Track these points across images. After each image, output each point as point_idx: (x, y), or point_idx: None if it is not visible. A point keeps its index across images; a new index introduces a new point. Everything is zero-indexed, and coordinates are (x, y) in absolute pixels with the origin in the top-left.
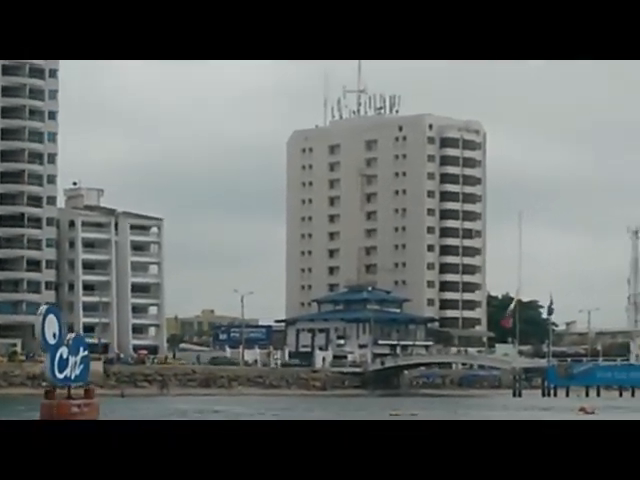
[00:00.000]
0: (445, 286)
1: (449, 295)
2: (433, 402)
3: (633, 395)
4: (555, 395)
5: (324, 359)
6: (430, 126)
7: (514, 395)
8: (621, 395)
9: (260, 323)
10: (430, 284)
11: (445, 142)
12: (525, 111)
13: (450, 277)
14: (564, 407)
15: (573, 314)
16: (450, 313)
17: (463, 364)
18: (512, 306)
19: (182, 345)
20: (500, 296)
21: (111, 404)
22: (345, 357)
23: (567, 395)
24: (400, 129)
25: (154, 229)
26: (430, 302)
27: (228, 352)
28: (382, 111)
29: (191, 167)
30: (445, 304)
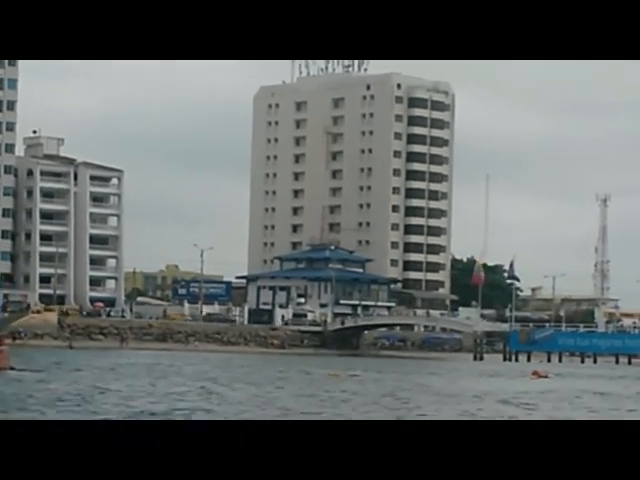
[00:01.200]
0: (409, 247)
1: (413, 257)
2: (391, 363)
3: (595, 362)
4: (517, 360)
5: (283, 317)
6: (398, 85)
7: (475, 359)
8: (583, 362)
9: (224, 279)
10: (394, 245)
11: (413, 102)
12: (494, 76)
13: (415, 238)
14: (519, 371)
15: (540, 279)
16: (414, 275)
17: (425, 326)
18: (480, 264)
19: (140, 299)
20: (465, 259)
21: (58, 354)
22: (305, 316)
23: (529, 360)
24: (368, 88)
25: (114, 180)
26: (394, 263)
27: (186, 307)
28: (350, 69)
29: (156, 121)
30: (409, 265)
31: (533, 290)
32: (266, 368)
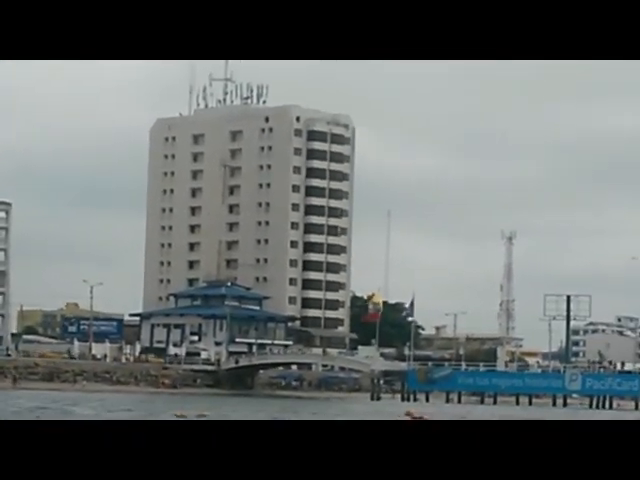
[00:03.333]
0: (308, 284)
1: (312, 294)
2: (279, 404)
3: (495, 402)
4: (415, 400)
5: (176, 355)
6: (297, 118)
7: (372, 399)
8: (483, 402)
9: (124, 317)
10: (292, 282)
11: (312, 135)
12: (397, 111)
13: (313, 275)
14: (391, 412)
15: (444, 318)
16: (312, 312)
17: (324, 365)
18: (378, 301)
19: (29, 337)
20: (365, 297)
21: None
22: (198, 354)
23: (427, 400)
24: (266, 120)
25: (1, 214)
26: (292, 300)
27: (76, 345)
28: (249, 101)
29: (48, 152)
30: (307, 303)
31: (437, 329)
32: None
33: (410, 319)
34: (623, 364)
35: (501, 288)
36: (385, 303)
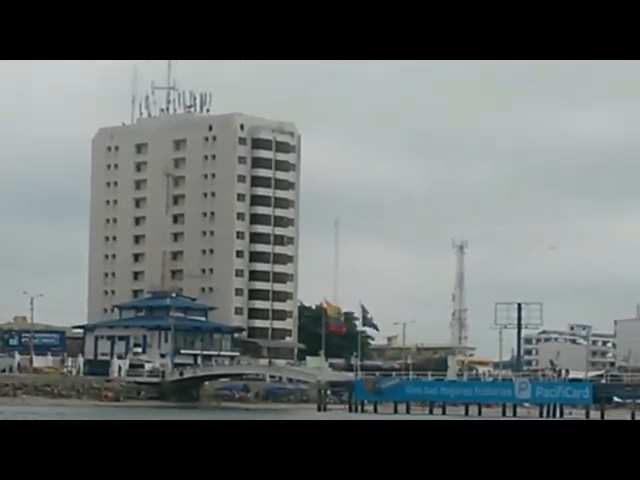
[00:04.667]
0: (254, 294)
1: (258, 304)
2: (220, 416)
3: (444, 412)
4: (362, 410)
5: (120, 368)
6: (242, 126)
7: (319, 410)
8: (431, 412)
9: (58, 329)
10: (239, 292)
11: (257, 143)
12: (345, 117)
13: (260, 285)
14: None
15: (396, 328)
16: (259, 323)
17: (272, 377)
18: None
19: None
20: (314, 307)
21: None
22: (142, 366)
23: (375, 411)
24: (210, 129)
25: None
26: (238, 311)
27: (17, 358)
28: (192, 109)
29: None
30: (254, 313)
31: (389, 339)
32: None
33: (362, 329)
34: (567, 371)
35: (453, 297)
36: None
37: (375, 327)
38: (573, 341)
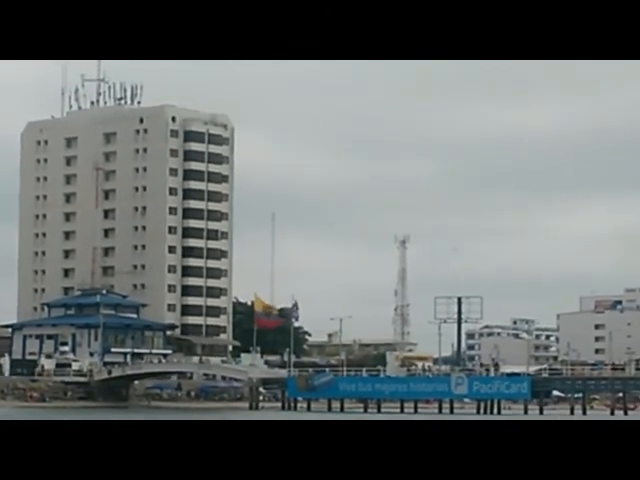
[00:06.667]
0: (187, 290)
1: (191, 300)
2: (151, 416)
3: (379, 410)
4: (295, 408)
5: (43, 367)
6: (173, 118)
7: (251, 408)
8: (366, 410)
9: None
10: (171, 288)
11: (189, 136)
12: (282, 112)
13: (193, 281)
14: None
15: (335, 324)
16: (193, 320)
17: (205, 374)
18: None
19: None
20: (249, 303)
21: None
22: (69, 365)
23: (309, 409)
24: (141, 121)
25: None
26: (171, 307)
27: None
28: (123, 102)
29: None
30: (187, 310)
31: (330, 335)
32: None
33: (296, 325)
34: (497, 365)
35: (395, 293)
36: (268, 308)
37: (296, 319)
38: (516, 335)
